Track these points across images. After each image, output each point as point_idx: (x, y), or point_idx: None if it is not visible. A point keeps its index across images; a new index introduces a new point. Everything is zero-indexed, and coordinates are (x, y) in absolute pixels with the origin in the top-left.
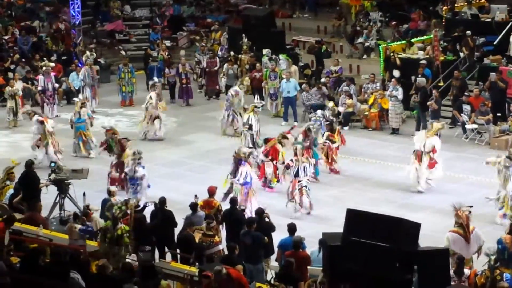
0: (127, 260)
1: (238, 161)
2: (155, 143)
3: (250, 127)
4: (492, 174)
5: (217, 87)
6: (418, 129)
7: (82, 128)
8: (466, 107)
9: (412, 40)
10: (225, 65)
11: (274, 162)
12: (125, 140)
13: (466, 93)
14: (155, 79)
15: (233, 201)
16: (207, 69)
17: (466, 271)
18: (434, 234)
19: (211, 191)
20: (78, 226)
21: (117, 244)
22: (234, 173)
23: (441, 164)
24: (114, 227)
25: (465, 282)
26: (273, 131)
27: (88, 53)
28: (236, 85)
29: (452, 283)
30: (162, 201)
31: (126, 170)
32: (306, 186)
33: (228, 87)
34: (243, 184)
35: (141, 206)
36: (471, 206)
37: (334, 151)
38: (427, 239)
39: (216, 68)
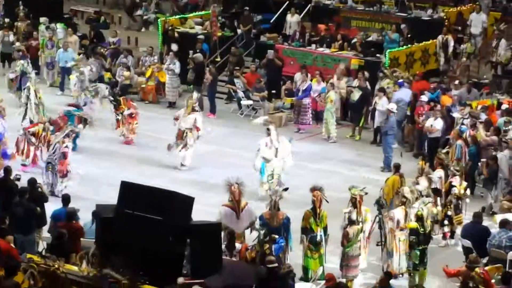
0: None
1: None
2: None
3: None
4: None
5: None
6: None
7: None
8: (238, 81)
9: (190, 15)
10: (0, 32)
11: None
12: None
13: (238, 68)
14: None
15: (6, 170)
16: None
17: (238, 245)
18: (207, 208)
19: None
20: None
21: None
22: None
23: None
24: None
25: (236, 256)
26: (49, 101)
27: None
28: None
29: (224, 257)
30: None
31: None
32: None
33: (3, 54)
34: None
35: None
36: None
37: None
38: (200, 214)
39: None
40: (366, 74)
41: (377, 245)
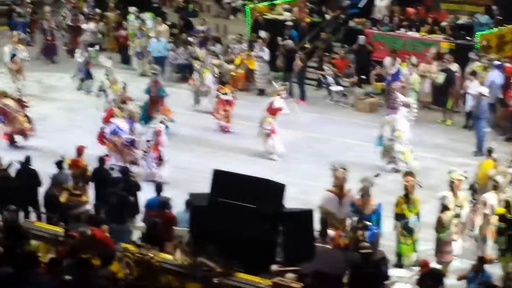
0: None
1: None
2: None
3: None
4: (357, 136)
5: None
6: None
7: None
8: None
9: (279, 2)
10: (91, 23)
11: None
12: None
13: (327, 54)
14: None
15: (101, 160)
16: (71, 26)
17: (331, 232)
18: (299, 195)
19: (79, 151)
20: None
21: None
22: None
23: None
24: None
25: (329, 243)
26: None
27: None
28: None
29: (317, 244)
30: (27, 159)
31: None
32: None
33: (92, 45)
34: (112, 133)
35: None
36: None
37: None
38: (292, 200)
39: (80, 25)
40: (447, 56)
41: (471, 230)
